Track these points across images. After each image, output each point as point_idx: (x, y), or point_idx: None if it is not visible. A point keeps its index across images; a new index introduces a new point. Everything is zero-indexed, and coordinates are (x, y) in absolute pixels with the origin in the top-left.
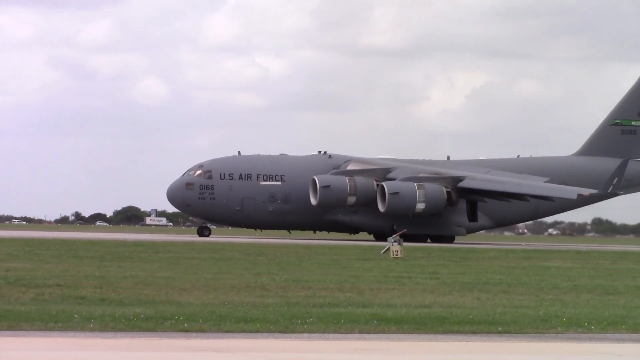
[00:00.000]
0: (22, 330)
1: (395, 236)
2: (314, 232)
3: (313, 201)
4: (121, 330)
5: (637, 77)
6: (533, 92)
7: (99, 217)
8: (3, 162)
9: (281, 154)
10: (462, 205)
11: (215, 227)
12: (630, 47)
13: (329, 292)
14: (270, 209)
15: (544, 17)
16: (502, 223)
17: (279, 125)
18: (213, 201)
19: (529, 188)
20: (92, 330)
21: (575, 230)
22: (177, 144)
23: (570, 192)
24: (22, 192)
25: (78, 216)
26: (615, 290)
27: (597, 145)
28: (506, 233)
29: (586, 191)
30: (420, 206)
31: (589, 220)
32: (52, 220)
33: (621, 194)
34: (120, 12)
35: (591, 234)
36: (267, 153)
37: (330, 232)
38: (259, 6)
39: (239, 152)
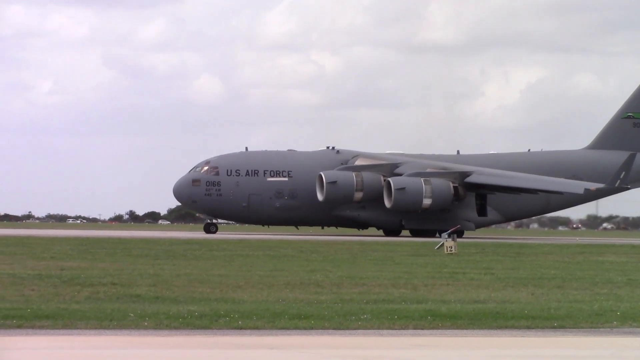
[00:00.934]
0: (78, 329)
1: (449, 232)
2: (322, 228)
3: (320, 197)
4: (175, 328)
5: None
6: (589, 87)
7: (152, 215)
8: (59, 160)
9: (289, 150)
10: (471, 200)
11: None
12: None
13: (382, 289)
14: (277, 205)
15: (599, 11)
16: (512, 218)
17: (334, 122)
18: (220, 197)
19: (536, 182)
20: (146, 328)
21: (630, 225)
22: (232, 142)
23: (578, 186)
24: (78, 191)
25: (132, 215)
26: None
27: (609, 138)
28: (560, 228)
29: (593, 185)
30: (427, 201)
31: None
32: (107, 219)
33: (629, 188)
34: (176, 10)
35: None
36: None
37: (339, 228)
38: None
39: (246, 148)
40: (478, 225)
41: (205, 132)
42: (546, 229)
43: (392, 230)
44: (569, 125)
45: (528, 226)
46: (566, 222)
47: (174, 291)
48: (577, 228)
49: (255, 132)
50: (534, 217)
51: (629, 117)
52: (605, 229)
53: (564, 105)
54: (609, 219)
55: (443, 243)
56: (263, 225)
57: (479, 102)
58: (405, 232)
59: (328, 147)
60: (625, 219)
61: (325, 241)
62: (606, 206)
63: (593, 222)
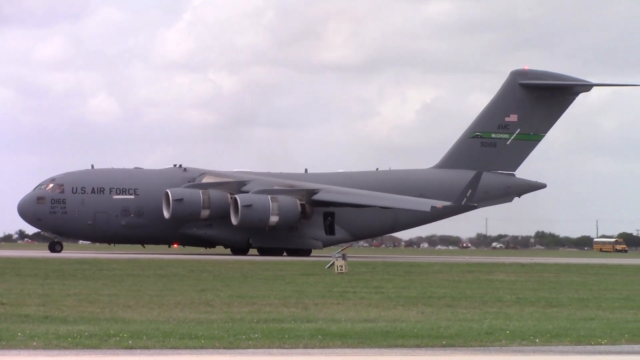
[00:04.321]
0: None
1: (340, 251)
2: (169, 247)
3: (166, 215)
4: (65, 348)
5: (497, 90)
6: (484, 106)
7: (40, 234)
8: None
9: (135, 167)
10: (318, 218)
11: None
12: (587, 61)
13: (273, 308)
14: (124, 223)
15: (494, 31)
16: (360, 236)
17: (231, 141)
18: (65, 215)
19: (383, 200)
20: (35, 348)
21: (519, 244)
22: (128, 161)
23: (424, 204)
24: None
25: (22, 234)
26: (558, 302)
27: (456, 157)
28: (450, 247)
29: (439, 203)
30: (273, 219)
31: (532, 233)
32: None
33: (476, 207)
34: (74, 29)
35: (536, 247)
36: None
37: (186, 247)
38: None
39: (92, 166)
40: (326, 244)
41: (100, 151)
42: (436, 248)
43: (239, 249)
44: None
45: (419, 245)
46: (456, 241)
47: (63, 311)
48: (466, 247)
49: (152, 151)
50: (424, 236)
51: (476, 136)
52: (494, 247)
53: (459, 124)
54: (498, 238)
55: (334, 262)
56: (109, 244)
57: (375, 121)
58: (253, 252)
59: (175, 165)
60: (514, 237)
61: (215, 260)
62: (495, 225)
63: (482, 241)
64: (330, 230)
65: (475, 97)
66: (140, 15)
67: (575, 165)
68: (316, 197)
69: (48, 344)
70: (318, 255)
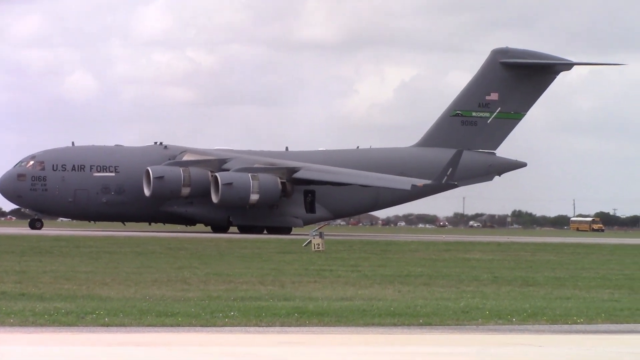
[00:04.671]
0: None
1: (317, 229)
2: (149, 224)
3: (147, 192)
4: (42, 325)
5: (479, 68)
6: (462, 85)
7: (19, 211)
8: None
9: (116, 145)
10: (299, 196)
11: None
12: (566, 41)
13: (250, 286)
14: (104, 200)
15: (473, 11)
16: (341, 214)
17: (210, 119)
18: (45, 193)
19: (364, 178)
20: (12, 325)
21: (496, 222)
22: (106, 139)
23: (405, 182)
24: None
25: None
26: (535, 281)
27: (437, 136)
28: (428, 226)
29: (420, 182)
30: (254, 197)
31: (509, 212)
32: None
33: (457, 185)
34: (53, 6)
35: (514, 226)
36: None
37: (166, 224)
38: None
39: (73, 143)
40: (306, 222)
41: (78, 128)
42: (413, 226)
43: (220, 227)
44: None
45: (396, 224)
46: (433, 219)
47: (40, 288)
48: (444, 226)
49: (129, 129)
50: (401, 215)
51: (457, 114)
52: (471, 226)
53: (437, 103)
54: (475, 216)
55: (311, 240)
56: (89, 221)
57: (353, 100)
58: (233, 229)
59: (156, 143)
60: (491, 216)
61: (192, 238)
62: (472, 204)
63: (460, 220)
64: (310, 208)
65: (453, 76)
66: None
67: (552, 144)
68: (297, 175)
69: (24, 321)
70: (298, 234)
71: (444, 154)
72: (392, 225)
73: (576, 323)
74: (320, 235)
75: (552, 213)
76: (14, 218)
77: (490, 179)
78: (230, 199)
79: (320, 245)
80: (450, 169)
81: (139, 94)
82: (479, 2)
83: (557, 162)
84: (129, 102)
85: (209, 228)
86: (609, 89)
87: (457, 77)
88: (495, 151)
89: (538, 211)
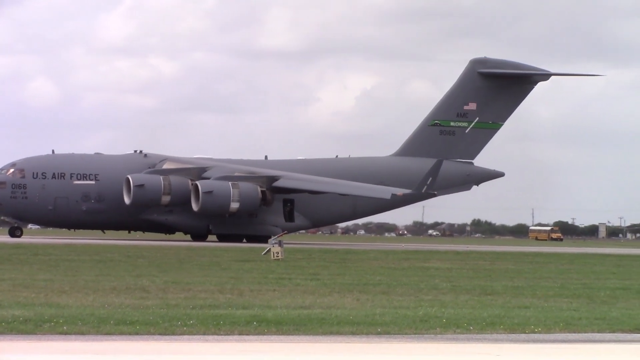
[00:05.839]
0: None
1: (276, 238)
2: (129, 232)
3: (127, 200)
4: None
5: (457, 78)
6: (424, 94)
7: None
8: None
9: (96, 153)
10: (278, 205)
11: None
12: (525, 50)
13: (209, 294)
14: (84, 208)
15: (435, 19)
16: (319, 223)
17: (170, 127)
18: (25, 200)
19: (344, 187)
20: None
21: (455, 231)
22: (66, 146)
23: (384, 191)
24: None
25: None
26: (493, 290)
27: (415, 145)
28: (387, 234)
29: (400, 191)
30: (234, 205)
31: (468, 221)
32: None
33: (436, 195)
34: (14, 13)
35: (478, 235)
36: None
37: (146, 232)
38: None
39: (53, 151)
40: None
41: (39, 136)
42: (373, 235)
43: (199, 235)
44: (403, 131)
45: (355, 232)
46: (392, 228)
47: None
48: (403, 234)
49: (89, 137)
50: (360, 223)
51: (435, 124)
52: (430, 235)
53: (399, 111)
54: (435, 225)
55: (270, 248)
56: (69, 229)
57: (315, 108)
58: (212, 238)
59: (136, 151)
60: (451, 225)
61: (151, 246)
62: (432, 213)
63: (419, 229)
64: (289, 217)
65: (415, 85)
66: None
67: (511, 153)
68: (277, 183)
69: None
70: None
71: (423, 164)
72: (351, 233)
73: (534, 332)
74: (280, 243)
75: (511, 222)
76: None
77: (469, 188)
78: (211, 207)
79: (280, 254)
80: (430, 179)
81: (100, 101)
82: (442, 11)
83: (516, 171)
84: (89, 109)
85: (188, 236)
86: (567, 98)
87: (419, 86)
88: (473, 161)
89: (497, 220)
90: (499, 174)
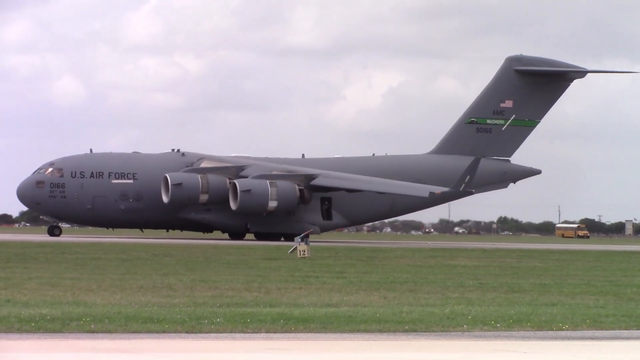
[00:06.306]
0: None
1: (302, 236)
2: (167, 231)
3: (165, 199)
4: (27, 331)
5: (493, 75)
6: (450, 91)
7: (4, 218)
8: None
9: (134, 152)
10: (316, 203)
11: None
12: (550, 47)
13: (236, 292)
14: (122, 207)
15: (461, 17)
16: (357, 221)
17: (196, 125)
18: (64, 200)
19: (382, 185)
20: None
21: (481, 229)
22: (93, 145)
23: (423, 190)
24: None
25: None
26: (520, 288)
27: (452, 143)
28: (413, 232)
29: (438, 189)
30: (272, 204)
31: (494, 219)
32: None
33: (474, 193)
34: (41, 12)
35: (505, 233)
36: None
37: (183, 231)
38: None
39: (91, 150)
40: (323, 229)
41: (66, 134)
42: (399, 233)
43: (237, 234)
44: (430, 129)
45: (381, 230)
46: (419, 226)
47: (25, 294)
48: (429, 232)
49: (115, 135)
50: (386, 221)
51: (472, 122)
52: (457, 233)
53: (425, 109)
54: (461, 223)
55: (296, 247)
56: (108, 228)
57: (340, 106)
58: (250, 236)
59: (173, 150)
60: (477, 223)
61: (178, 244)
62: (458, 211)
63: (445, 227)
64: (327, 215)
65: (440, 83)
66: None
67: (537, 150)
68: (315, 182)
69: (10, 328)
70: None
71: (459, 161)
72: (377, 231)
73: (561, 329)
74: (306, 241)
75: (537, 219)
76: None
77: (505, 186)
78: (249, 206)
79: (306, 252)
80: (468, 177)
81: (126, 100)
82: (468, 9)
83: (542, 169)
84: (115, 107)
85: (226, 235)
86: (593, 94)
87: (444, 83)
88: (509, 158)
89: (523, 218)
90: (536, 172)
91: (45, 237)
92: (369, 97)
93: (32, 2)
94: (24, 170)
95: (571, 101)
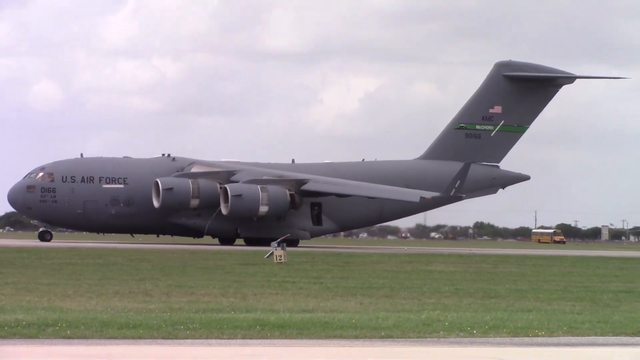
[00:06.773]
0: None
1: (279, 241)
2: (157, 236)
3: (156, 204)
4: (2, 337)
5: (482, 81)
6: (428, 96)
7: None
8: None
9: (125, 157)
10: (306, 209)
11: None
12: (526, 51)
13: (212, 298)
14: (113, 212)
15: (438, 21)
16: (347, 227)
17: (174, 129)
18: (55, 204)
19: (373, 190)
20: None
21: (458, 234)
22: (70, 148)
23: (413, 195)
24: None
25: None
26: (496, 294)
27: (441, 149)
28: (389, 237)
29: (428, 194)
30: (263, 209)
31: (471, 224)
32: None
33: (464, 198)
34: (19, 15)
35: (483, 238)
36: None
37: (174, 236)
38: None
39: (82, 155)
40: (313, 235)
41: (43, 138)
42: (375, 238)
43: (227, 239)
44: (407, 134)
45: (357, 235)
46: (395, 231)
47: (1, 300)
48: (406, 237)
49: (92, 139)
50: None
51: (461, 128)
52: (433, 238)
53: (403, 113)
54: (437, 228)
55: (272, 252)
56: (98, 233)
57: (318, 110)
58: (240, 241)
59: (164, 155)
60: (453, 228)
61: (155, 250)
62: (434, 216)
63: (422, 232)
64: (317, 220)
65: (418, 87)
66: (85, 1)
67: (513, 154)
68: (306, 187)
69: None
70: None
71: (449, 167)
72: (353, 237)
73: (537, 335)
74: (283, 246)
75: (513, 225)
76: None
77: (494, 191)
78: (240, 211)
79: (283, 257)
80: (459, 182)
81: (104, 103)
82: (444, 13)
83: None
84: (93, 111)
85: (216, 240)
86: (569, 99)
87: (422, 87)
88: (498, 164)
89: (500, 223)
90: (525, 177)
91: (24, 242)
92: (346, 101)
93: (9, 4)
94: (0, 174)
95: (547, 105)
